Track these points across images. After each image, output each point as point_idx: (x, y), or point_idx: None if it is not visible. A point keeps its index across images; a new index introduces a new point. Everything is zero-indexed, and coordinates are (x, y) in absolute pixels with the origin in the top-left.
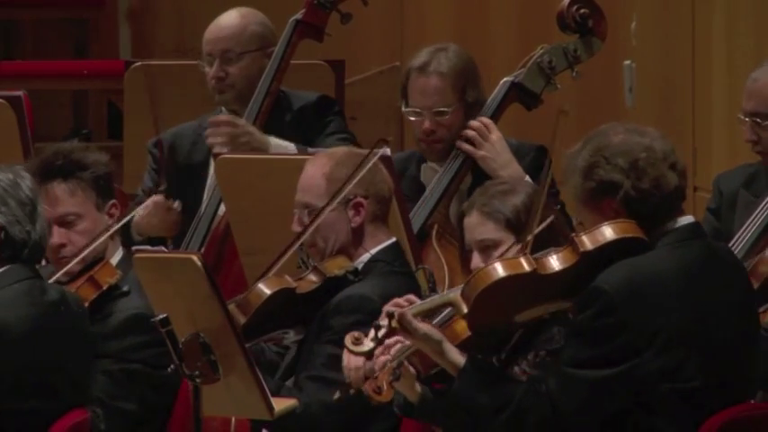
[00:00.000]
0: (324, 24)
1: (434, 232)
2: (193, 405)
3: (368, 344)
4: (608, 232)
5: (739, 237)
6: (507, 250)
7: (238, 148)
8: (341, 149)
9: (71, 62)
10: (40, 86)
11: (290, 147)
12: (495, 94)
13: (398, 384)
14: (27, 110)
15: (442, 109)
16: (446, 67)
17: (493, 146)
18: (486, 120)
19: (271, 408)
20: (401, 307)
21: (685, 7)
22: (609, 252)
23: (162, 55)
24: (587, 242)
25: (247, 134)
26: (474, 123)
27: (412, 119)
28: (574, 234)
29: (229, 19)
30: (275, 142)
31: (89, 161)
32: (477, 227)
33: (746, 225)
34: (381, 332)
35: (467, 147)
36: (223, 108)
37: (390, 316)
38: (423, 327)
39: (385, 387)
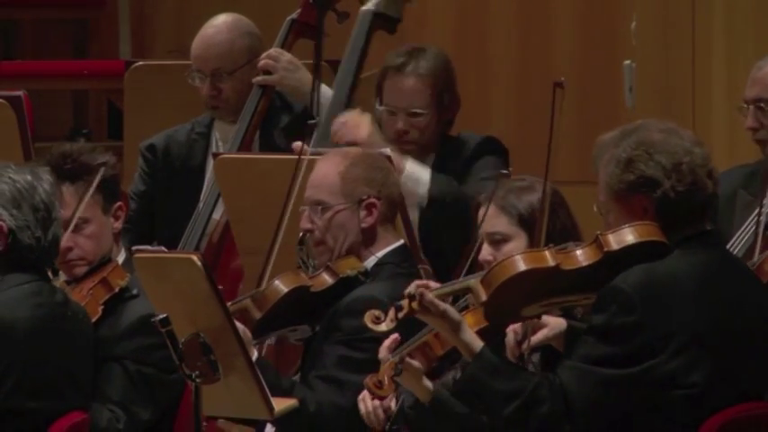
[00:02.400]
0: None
1: None
2: (194, 405)
3: (388, 324)
4: (633, 234)
5: (738, 237)
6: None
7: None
8: (355, 149)
9: (71, 62)
10: (40, 86)
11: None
12: (359, 28)
13: (404, 380)
14: (27, 110)
15: (416, 110)
16: (424, 69)
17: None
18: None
19: (271, 408)
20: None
21: (685, 7)
22: (630, 253)
23: (162, 55)
24: (612, 242)
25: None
26: (264, 54)
27: (386, 117)
28: (599, 233)
29: (216, 34)
30: (323, 90)
31: (97, 164)
32: (491, 219)
33: (745, 225)
34: (402, 313)
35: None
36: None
37: (411, 297)
38: (443, 305)
39: (386, 382)
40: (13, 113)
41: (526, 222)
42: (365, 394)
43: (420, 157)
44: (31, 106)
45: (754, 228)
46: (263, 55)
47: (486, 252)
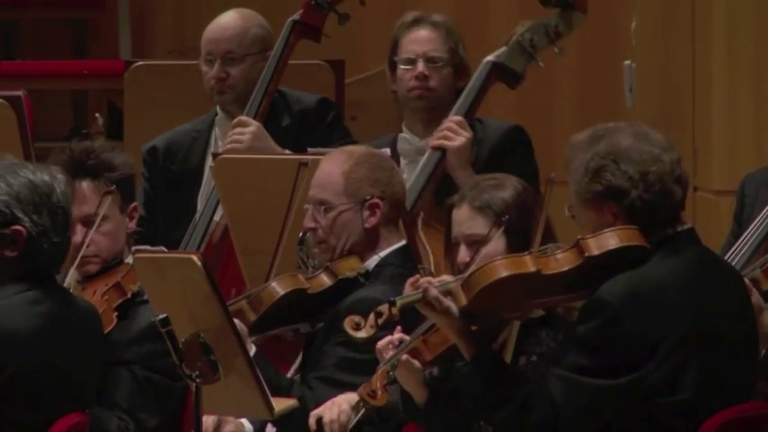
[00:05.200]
0: (321, 25)
1: (420, 220)
2: (194, 405)
3: (368, 330)
4: (614, 239)
5: (745, 237)
6: (490, 234)
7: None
8: (360, 148)
9: (71, 62)
10: (40, 86)
11: None
12: (477, 75)
13: (404, 380)
14: (27, 110)
15: (435, 55)
16: (439, 20)
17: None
18: (456, 117)
19: (271, 408)
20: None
21: (685, 7)
22: (611, 256)
23: (162, 55)
24: (593, 247)
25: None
26: (448, 121)
27: (403, 67)
28: (580, 237)
29: (231, 20)
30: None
31: (117, 162)
32: (467, 221)
33: (752, 226)
34: (382, 319)
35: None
36: (218, 110)
37: (391, 303)
38: (446, 302)
39: (380, 391)
40: (13, 113)
41: (502, 221)
42: (333, 402)
43: (437, 116)
44: (31, 106)
45: (761, 230)
46: (230, 132)
47: (462, 254)
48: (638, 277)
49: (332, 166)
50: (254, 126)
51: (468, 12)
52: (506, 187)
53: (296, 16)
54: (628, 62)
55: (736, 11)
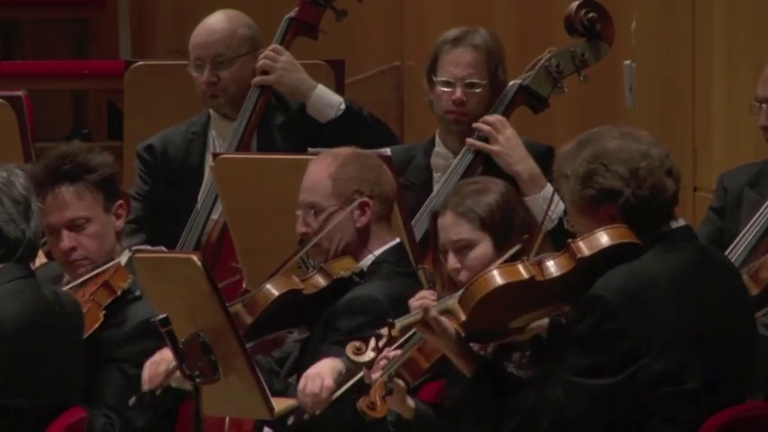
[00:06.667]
0: (318, 22)
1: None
2: (194, 405)
3: (369, 354)
4: (604, 238)
5: (742, 237)
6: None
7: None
8: (345, 150)
9: (71, 62)
10: (40, 86)
11: (335, 100)
12: (502, 97)
13: (389, 400)
14: (27, 110)
15: (474, 81)
16: (481, 42)
17: (507, 141)
18: (499, 116)
19: (271, 408)
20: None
21: (685, 7)
22: (604, 256)
23: (162, 55)
24: (584, 248)
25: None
26: (488, 119)
27: (442, 89)
28: (570, 240)
29: (218, 23)
30: (321, 90)
31: (95, 163)
32: (452, 227)
33: (749, 225)
34: (382, 341)
35: (480, 143)
36: (211, 111)
37: (390, 325)
38: (445, 322)
39: (378, 402)
40: (13, 113)
41: (488, 225)
42: (318, 372)
43: (471, 132)
44: (31, 106)
45: (757, 229)
46: (262, 54)
47: (452, 261)
48: (633, 271)
49: (318, 169)
50: (285, 57)
51: (468, 13)
52: (490, 191)
53: (292, 14)
54: (628, 62)
55: (737, 11)
